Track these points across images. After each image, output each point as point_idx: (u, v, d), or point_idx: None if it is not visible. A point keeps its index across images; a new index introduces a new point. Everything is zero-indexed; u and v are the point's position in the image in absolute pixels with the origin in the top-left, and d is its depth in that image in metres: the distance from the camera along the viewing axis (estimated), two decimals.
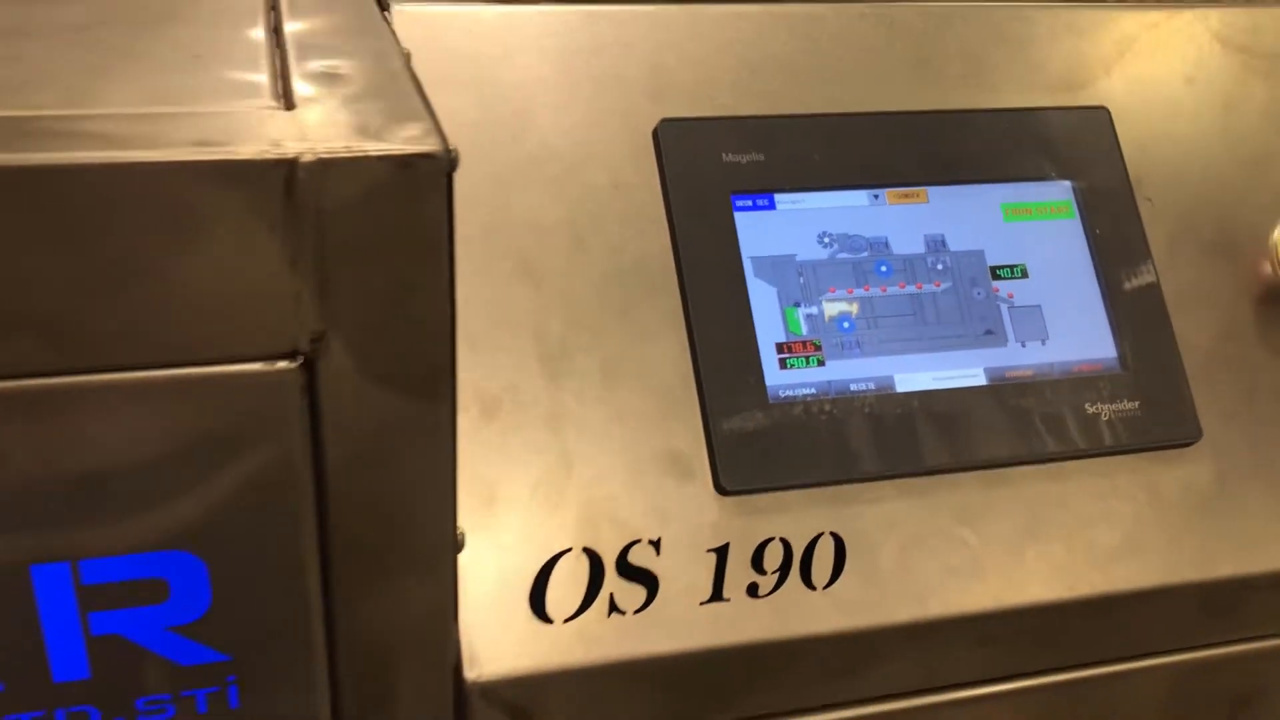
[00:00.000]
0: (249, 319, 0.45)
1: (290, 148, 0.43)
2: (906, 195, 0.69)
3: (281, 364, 0.47)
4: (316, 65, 0.52)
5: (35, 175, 0.41)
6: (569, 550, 0.59)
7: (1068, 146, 0.73)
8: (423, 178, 0.45)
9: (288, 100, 0.48)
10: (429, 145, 0.45)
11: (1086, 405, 0.67)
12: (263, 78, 0.51)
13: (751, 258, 0.65)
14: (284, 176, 0.43)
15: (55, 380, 0.44)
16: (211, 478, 0.48)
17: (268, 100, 0.48)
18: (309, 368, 0.47)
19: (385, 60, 0.55)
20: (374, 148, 0.44)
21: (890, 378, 0.65)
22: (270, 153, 0.43)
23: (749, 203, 0.66)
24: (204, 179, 0.43)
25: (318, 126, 0.45)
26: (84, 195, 0.42)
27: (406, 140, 0.45)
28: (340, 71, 0.52)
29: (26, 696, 0.51)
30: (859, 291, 0.67)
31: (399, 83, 0.52)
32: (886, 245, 0.68)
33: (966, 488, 0.65)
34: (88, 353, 0.44)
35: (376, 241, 0.46)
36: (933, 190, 0.70)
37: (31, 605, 0.49)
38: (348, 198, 0.44)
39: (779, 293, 0.65)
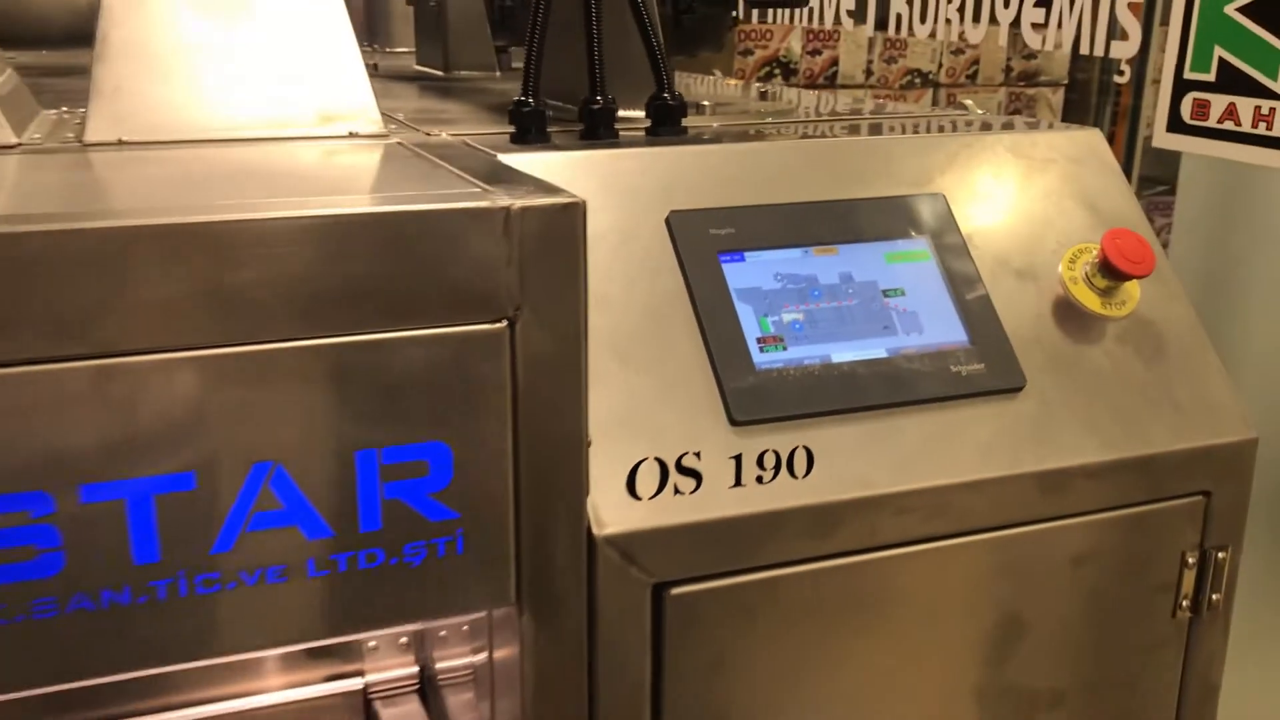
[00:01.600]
0: (485, 296, 0.83)
1: (506, 200, 0.83)
2: (825, 250, 1.10)
3: (500, 324, 0.85)
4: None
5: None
6: (646, 458, 0.96)
7: (923, 217, 1.15)
8: (573, 213, 0.84)
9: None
10: (575, 199, 0.84)
11: (950, 366, 1.07)
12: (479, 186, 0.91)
13: (735, 289, 1.05)
14: (504, 216, 0.82)
15: (387, 335, 0.82)
16: (459, 393, 0.85)
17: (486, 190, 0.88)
18: (512, 326, 0.85)
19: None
20: (549, 200, 0.84)
21: (828, 355, 1.05)
22: (499, 203, 0.82)
23: (729, 257, 1.07)
24: (474, 217, 0.82)
25: (516, 195, 0.85)
26: (437, 225, 0.81)
27: (563, 196, 0.84)
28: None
29: (344, 542, 0.85)
30: (802, 307, 1.06)
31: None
32: (816, 279, 1.08)
33: (881, 419, 1.04)
34: (414, 315, 0.82)
35: (549, 251, 0.84)
36: (842, 247, 1.11)
37: (353, 478, 0.84)
38: (536, 227, 0.83)
39: (754, 309, 1.05)
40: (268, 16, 1.17)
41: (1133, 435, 1.12)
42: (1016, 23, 2.32)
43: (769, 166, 1.16)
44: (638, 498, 0.95)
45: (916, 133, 1.28)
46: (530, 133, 1.18)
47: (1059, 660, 1.14)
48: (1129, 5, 2.07)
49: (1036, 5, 2.25)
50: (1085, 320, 1.16)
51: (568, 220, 0.85)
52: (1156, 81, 2.13)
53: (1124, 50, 2.10)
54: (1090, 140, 1.30)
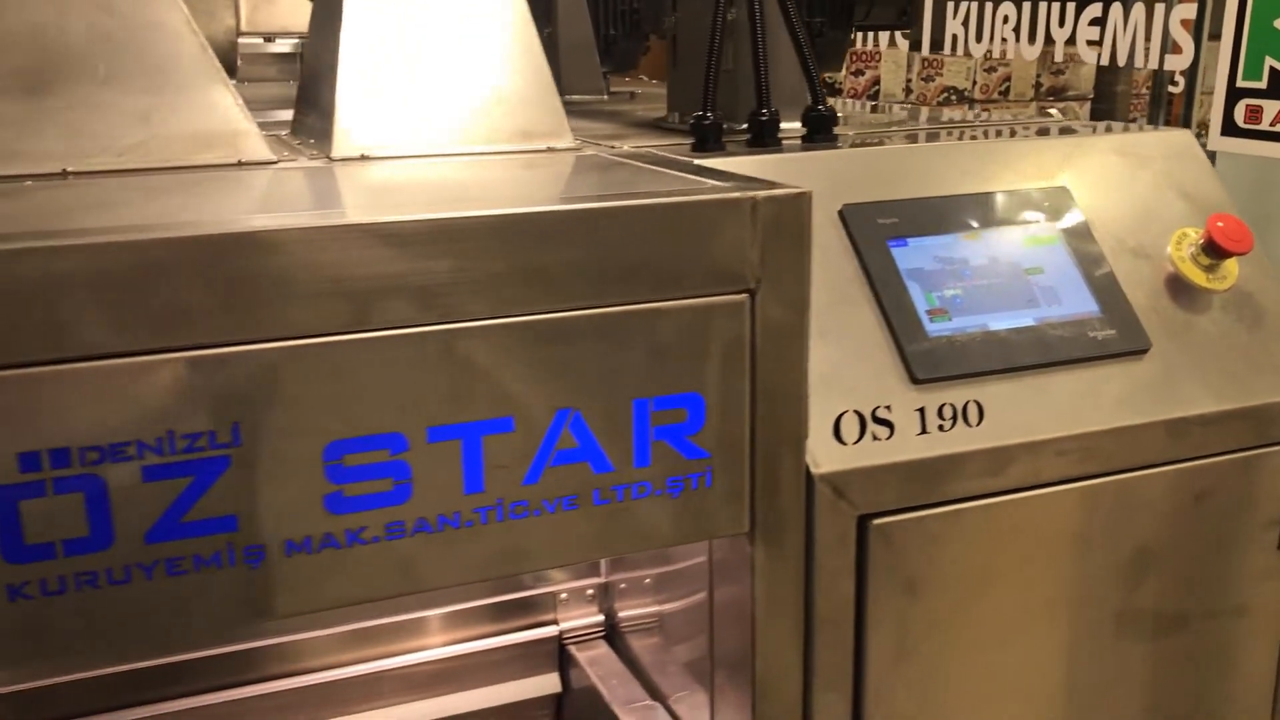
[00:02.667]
0: (733, 272, 1.02)
1: (752, 192, 1.01)
2: (972, 235, 1.29)
3: (743, 295, 1.03)
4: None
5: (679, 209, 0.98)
6: (846, 410, 1.14)
7: (1050, 206, 1.34)
8: (803, 202, 1.03)
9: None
10: (805, 190, 1.03)
11: (1087, 333, 1.25)
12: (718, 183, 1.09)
13: (903, 269, 1.23)
14: (751, 205, 1.01)
15: (657, 304, 1.00)
16: (711, 352, 1.03)
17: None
18: (753, 297, 1.03)
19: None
20: (784, 192, 1.02)
21: (986, 324, 1.23)
22: (747, 195, 1.01)
23: (896, 243, 1.25)
24: (729, 206, 1.00)
25: (757, 189, 1.03)
26: (695, 215, 0.99)
27: (794, 188, 1.03)
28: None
29: (622, 476, 1.03)
30: (959, 284, 1.25)
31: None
32: (968, 261, 1.27)
33: (1034, 376, 1.21)
34: (678, 288, 1.00)
35: (783, 234, 1.03)
36: (986, 233, 1.29)
37: (629, 422, 1.02)
38: (774, 214, 1.02)
39: (920, 286, 1.23)
40: (476, 46, 1.36)
41: (1241, 390, 1.30)
42: (1072, 40, 2.52)
43: (914, 166, 1.34)
44: (843, 443, 1.13)
45: (1028, 136, 1.46)
46: (709, 142, 1.36)
47: (1180, 587, 1.31)
48: (1181, 21, 2.27)
49: (1091, 24, 2.45)
50: (1193, 293, 1.34)
51: (799, 208, 1.03)
52: (1207, 93, 2.33)
53: (1178, 63, 2.29)
54: (1184, 140, 1.48)
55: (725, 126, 1.40)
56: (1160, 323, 1.31)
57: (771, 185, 1.05)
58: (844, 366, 1.16)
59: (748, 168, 1.24)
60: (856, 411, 1.15)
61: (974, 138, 1.50)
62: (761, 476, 1.08)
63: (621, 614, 1.51)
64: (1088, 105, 4.30)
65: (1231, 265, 1.36)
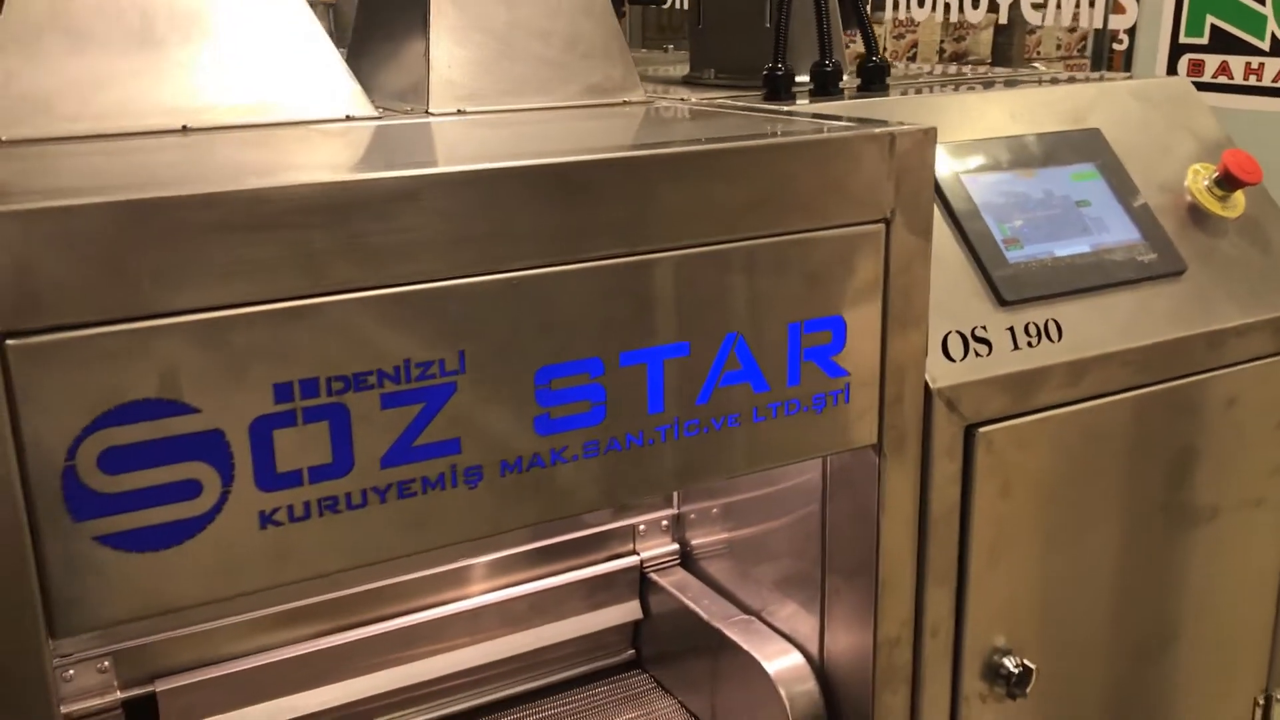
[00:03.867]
0: (873, 203, 1.11)
1: (891, 129, 1.11)
2: (1026, 173, 1.41)
3: (880, 225, 1.13)
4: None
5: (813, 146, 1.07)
6: (950, 331, 1.25)
7: (1089, 146, 1.47)
8: (931, 137, 1.13)
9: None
10: (932, 127, 1.13)
11: (1135, 257, 1.40)
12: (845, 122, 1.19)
13: (979, 203, 1.35)
14: (890, 140, 1.10)
15: (808, 234, 1.09)
16: (852, 278, 1.12)
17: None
18: (888, 226, 1.13)
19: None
20: (915, 128, 1.12)
21: (1052, 250, 1.36)
22: (889, 131, 1.10)
23: (970, 180, 1.36)
24: (872, 141, 1.09)
25: (895, 127, 1.13)
26: (843, 150, 1.08)
27: (923, 126, 1.13)
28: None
29: (777, 394, 1.11)
30: (1024, 216, 1.37)
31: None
32: (1027, 195, 1.39)
33: (1098, 296, 1.35)
34: (826, 218, 1.09)
35: (912, 168, 1.13)
36: (1039, 170, 1.42)
37: (784, 345, 1.11)
38: (906, 148, 1.12)
39: (994, 218, 1.35)
40: (564, 6, 1.42)
41: (1262, 304, 1.46)
42: (1017, 4, 2.69)
43: (966, 111, 1.46)
44: (951, 360, 1.24)
45: (1055, 84, 1.60)
46: (781, 92, 1.46)
47: (1212, 483, 1.47)
48: None
49: None
50: (1211, 221, 1.50)
51: (927, 143, 1.14)
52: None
53: (1123, 22, 2.48)
54: (1184, 86, 1.64)
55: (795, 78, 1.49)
56: (1188, 247, 1.46)
57: (899, 124, 1.15)
58: (941, 291, 1.27)
59: (833, 113, 1.34)
60: (959, 332, 1.26)
61: (1008, 87, 1.63)
62: (890, 392, 1.19)
63: (694, 542, 1.60)
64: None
65: (1239, 196, 1.52)
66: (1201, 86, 2.32)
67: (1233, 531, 1.51)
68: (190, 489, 0.88)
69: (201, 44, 1.24)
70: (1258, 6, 2.19)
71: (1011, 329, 1.29)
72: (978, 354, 1.26)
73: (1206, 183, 1.51)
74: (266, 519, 0.91)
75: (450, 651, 1.47)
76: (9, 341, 0.80)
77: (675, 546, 1.60)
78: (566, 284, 0.99)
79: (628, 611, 1.58)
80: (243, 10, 1.27)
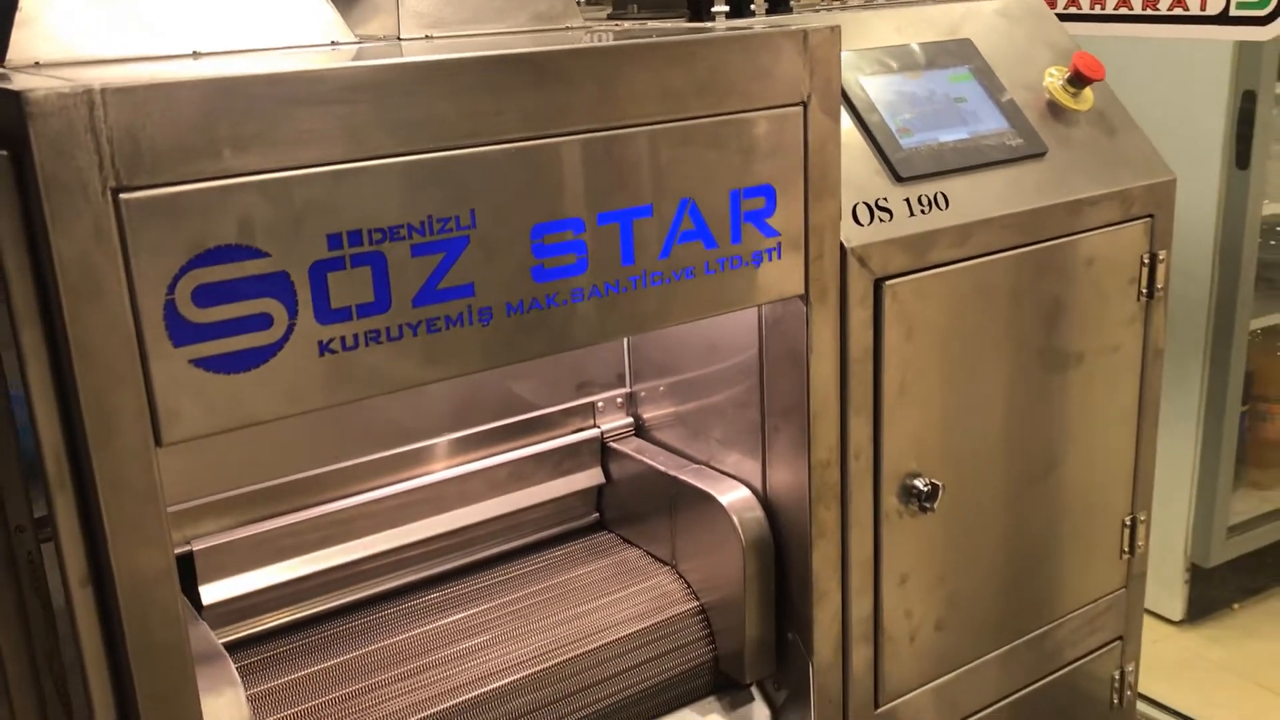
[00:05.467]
0: (793, 88, 1.35)
1: (805, 27, 1.34)
2: (914, 75, 1.67)
3: (799, 107, 1.36)
4: None
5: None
6: (858, 201, 1.50)
7: (963, 53, 1.73)
8: (837, 35, 1.37)
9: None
10: (837, 25, 1.37)
11: (1005, 142, 1.66)
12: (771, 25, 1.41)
13: (875, 99, 1.60)
14: (804, 36, 1.34)
15: (743, 115, 1.32)
16: (779, 152, 1.36)
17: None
18: (805, 108, 1.37)
19: None
20: (825, 25, 1.36)
21: (937, 137, 1.61)
22: (804, 29, 1.34)
23: (866, 80, 1.61)
24: (791, 36, 1.33)
25: (808, 25, 1.36)
26: (769, 44, 1.31)
27: (828, 24, 1.37)
28: None
29: (723, 251, 1.34)
30: (913, 110, 1.62)
31: None
32: (915, 94, 1.65)
33: (976, 174, 1.61)
34: (758, 99, 1.32)
35: (822, 60, 1.36)
36: (924, 73, 1.68)
37: (727, 209, 1.34)
38: (819, 42, 1.35)
39: (889, 112, 1.60)
40: None
41: (1110, 179, 1.74)
42: None
43: (860, 26, 1.71)
44: (860, 225, 1.49)
45: (926, 4, 1.86)
46: (704, 14, 1.69)
47: (1077, 331, 1.76)
48: None
49: None
50: (1065, 113, 1.78)
51: (833, 39, 1.38)
52: None
53: None
54: (1038, 4, 1.92)
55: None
56: (1048, 135, 1.74)
57: (814, 23, 1.39)
58: (848, 171, 1.51)
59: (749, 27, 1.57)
60: (865, 203, 1.51)
61: (889, 7, 1.88)
62: (813, 250, 1.43)
63: (646, 415, 1.82)
64: None
65: (1088, 92, 1.81)
66: (1077, 18, 2.62)
67: (1097, 374, 1.80)
68: (263, 321, 1.07)
69: None
70: None
71: (908, 200, 1.55)
72: (881, 220, 1.51)
73: (1060, 82, 1.79)
74: (324, 348, 1.11)
75: (443, 514, 1.68)
76: (122, 195, 0.98)
77: (630, 420, 1.83)
78: (552, 154, 1.20)
79: (592, 477, 1.80)
80: None
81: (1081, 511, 1.86)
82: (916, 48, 1.71)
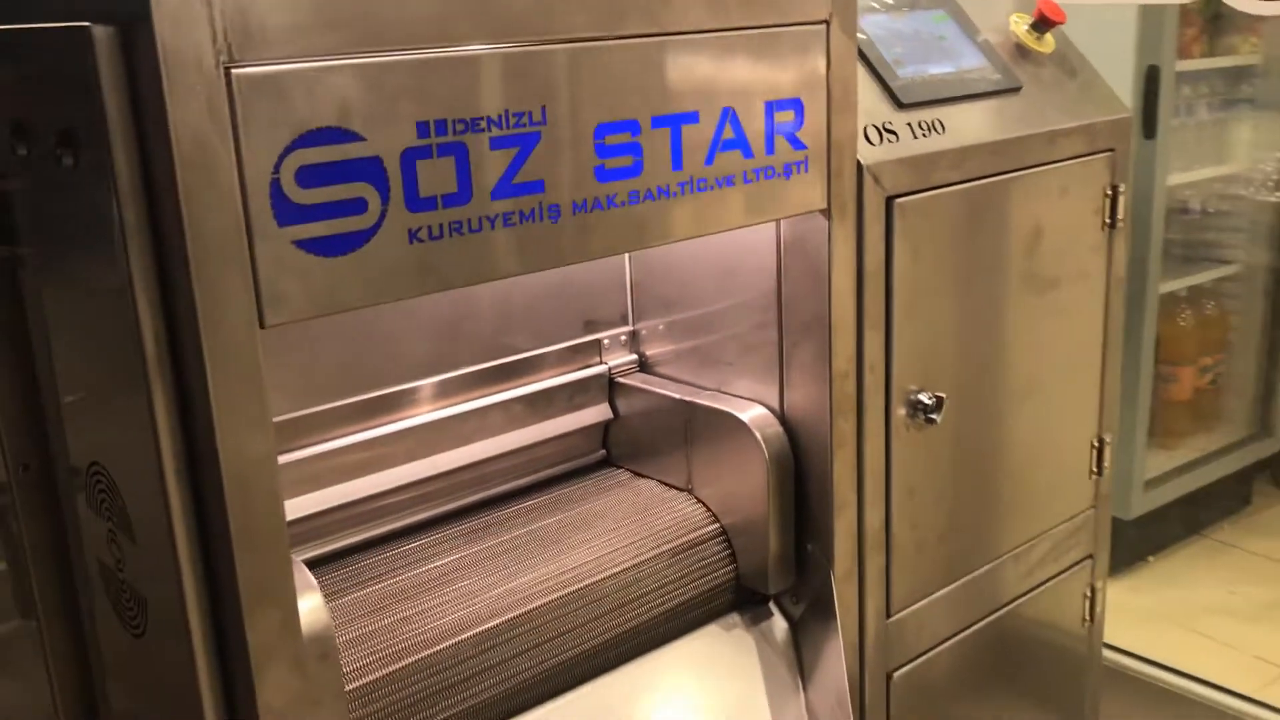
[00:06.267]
0: (818, 6, 1.42)
1: None
2: (899, 15, 1.76)
3: (823, 25, 1.44)
4: None
5: None
6: (869, 124, 1.58)
7: None
8: None
9: None
10: None
11: (986, 75, 1.77)
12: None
13: (872, 34, 1.69)
14: None
15: (775, 29, 1.38)
16: (805, 67, 1.43)
17: None
18: (828, 26, 1.44)
19: None
20: None
21: (926, 69, 1.71)
22: None
23: (864, 20, 1.70)
24: None
25: None
26: None
27: None
28: None
29: (758, 162, 1.41)
30: (900, 45, 1.72)
31: None
32: (901, 31, 1.74)
33: (963, 105, 1.71)
34: (789, 14, 1.39)
35: None
36: (907, 14, 1.77)
37: (762, 120, 1.40)
38: None
39: (883, 46, 1.69)
40: None
41: (1076, 115, 1.87)
42: None
43: None
44: (871, 144, 1.57)
45: None
46: None
47: (1054, 258, 1.87)
48: None
49: None
50: (1031, 55, 1.90)
51: None
52: None
53: None
54: None
55: None
56: (1019, 73, 1.86)
57: None
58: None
59: None
60: (873, 125, 1.59)
61: None
62: (834, 165, 1.50)
63: (649, 352, 1.87)
64: None
65: (1050, 37, 1.93)
66: None
67: (1069, 299, 1.92)
68: (359, 205, 1.09)
69: None
70: None
71: (910, 124, 1.64)
72: (889, 141, 1.60)
73: (1025, 26, 1.92)
74: (413, 235, 1.13)
75: (458, 449, 1.69)
76: (233, 70, 0.99)
77: (634, 357, 1.87)
78: (612, 55, 1.25)
79: (601, 412, 1.84)
80: None
81: (1058, 431, 1.98)
82: None
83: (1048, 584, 2.03)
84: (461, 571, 1.55)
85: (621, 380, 1.84)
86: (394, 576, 1.53)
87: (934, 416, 1.68)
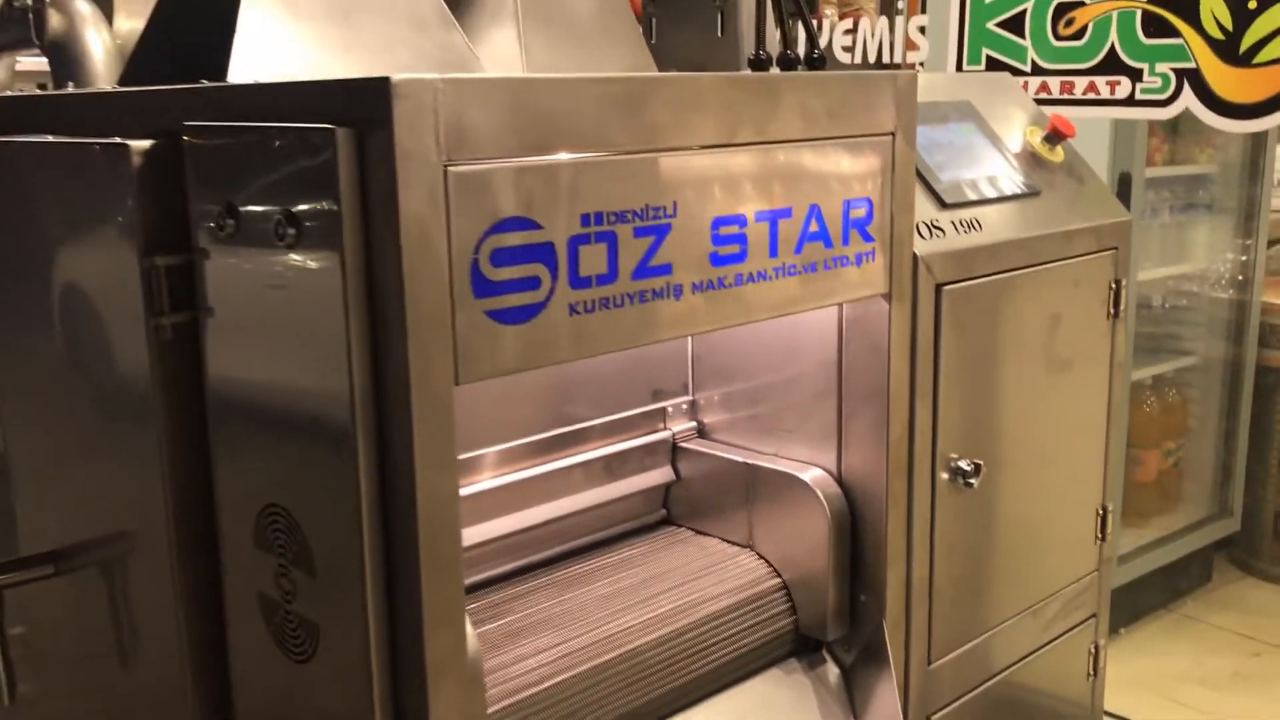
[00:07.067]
0: (885, 121, 1.65)
1: (895, 73, 1.64)
2: (937, 127, 2.00)
3: (889, 136, 1.66)
4: None
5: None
6: (919, 220, 1.80)
7: (967, 112, 2.09)
8: (915, 77, 1.68)
9: None
10: (908, 70, 1.68)
11: (1011, 181, 2.01)
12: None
13: (921, 145, 1.92)
14: (895, 78, 1.65)
15: (850, 139, 1.60)
16: (876, 171, 1.65)
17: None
18: (894, 138, 1.67)
19: None
20: (908, 72, 1.67)
21: (962, 174, 1.95)
22: (894, 74, 1.64)
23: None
24: (886, 79, 1.64)
25: (898, 72, 1.67)
26: (870, 83, 1.61)
27: (913, 70, 1.68)
28: None
29: (836, 250, 1.62)
30: (941, 153, 1.96)
31: None
32: (938, 140, 1.98)
33: (999, 206, 1.95)
34: (864, 126, 1.61)
35: (908, 97, 1.67)
36: (943, 124, 2.02)
37: (840, 215, 1.61)
38: (904, 84, 1.66)
39: (926, 153, 1.92)
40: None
41: (1086, 216, 2.11)
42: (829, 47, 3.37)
43: None
44: (923, 238, 1.79)
45: (935, 74, 2.22)
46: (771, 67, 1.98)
47: (1068, 342, 2.10)
48: (919, 28, 3.18)
49: (845, 34, 3.32)
50: (1045, 163, 2.15)
51: (913, 82, 1.69)
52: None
53: (917, 56, 3.20)
54: (1009, 78, 2.31)
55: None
56: (1037, 179, 2.10)
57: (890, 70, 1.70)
58: None
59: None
60: (923, 221, 1.82)
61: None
62: (895, 256, 1.72)
63: (708, 420, 2.05)
64: None
65: (1060, 148, 2.19)
66: None
67: (1080, 379, 2.15)
68: (534, 283, 1.28)
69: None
70: (1019, 40, 2.95)
71: (953, 222, 1.86)
72: (937, 236, 1.82)
73: (1039, 139, 2.17)
74: (573, 309, 1.32)
75: (545, 503, 1.86)
76: (449, 167, 1.18)
77: (694, 424, 2.06)
78: (729, 159, 1.46)
79: (664, 474, 2.02)
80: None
81: (1068, 499, 2.19)
82: (934, 105, 2.05)
83: (1059, 639, 2.22)
84: (562, 616, 1.71)
85: (684, 445, 2.02)
86: (498, 619, 1.69)
87: (972, 481, 1.88)
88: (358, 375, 1.20)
